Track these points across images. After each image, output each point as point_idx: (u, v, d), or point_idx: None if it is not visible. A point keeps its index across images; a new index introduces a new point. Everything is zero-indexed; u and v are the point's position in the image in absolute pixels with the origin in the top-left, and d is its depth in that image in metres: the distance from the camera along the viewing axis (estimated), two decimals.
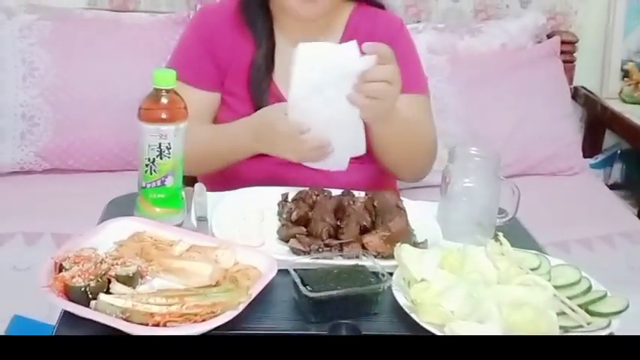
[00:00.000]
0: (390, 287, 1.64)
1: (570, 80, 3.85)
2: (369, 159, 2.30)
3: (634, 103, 3.91)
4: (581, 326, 1.59)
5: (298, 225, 1.90)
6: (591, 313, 1.61)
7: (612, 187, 3.94)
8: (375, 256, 1.78)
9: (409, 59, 2.48)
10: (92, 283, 1.54)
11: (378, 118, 2.08)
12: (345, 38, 2.40)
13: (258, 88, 2.35)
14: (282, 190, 2.08)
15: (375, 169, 2.36)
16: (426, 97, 2.47)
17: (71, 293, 1.54)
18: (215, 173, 2.32)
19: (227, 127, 2.30)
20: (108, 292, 1.56)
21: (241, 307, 1.54)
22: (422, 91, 2.46)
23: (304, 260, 1.74)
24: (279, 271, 1.67)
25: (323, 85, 1.95)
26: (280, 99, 2.28)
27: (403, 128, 2.18)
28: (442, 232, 1.94)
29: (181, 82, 2.21)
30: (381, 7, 2.52)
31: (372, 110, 2.01)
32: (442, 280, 1.65)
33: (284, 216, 1.96)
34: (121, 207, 1.97)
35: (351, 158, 2.16)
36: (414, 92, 2.39)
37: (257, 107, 2.27)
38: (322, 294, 1.58)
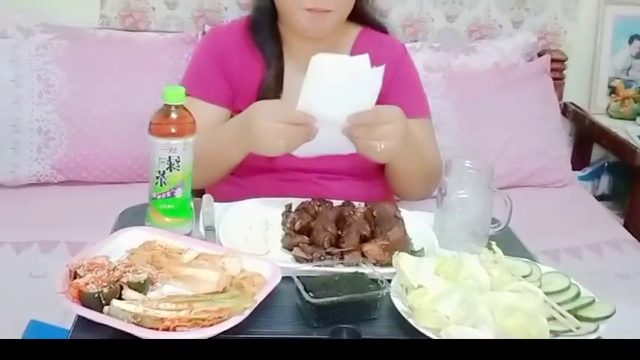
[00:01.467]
0: (388, 293, 1.64)
1: (560, 96, 3.85)
2: (368, 177, 2.31)
3: (620, 119, 3.91)
4: (570, 331, 1.59)
5: (301, 234, 1.90)
6: (580, 318, 1.61)
7: (600, 198, 3.93)
8: (375, 264, 1.78)
9: (414, 85, 2.51)
10: (105, 290, 1.54)
11: (396, 154, 2.06)
12: None
13: None
14: (286, 200, 2.08)
15: (373, 185, 2.36)
16: (429, 121, 2.48)
17: (85, 299, 1.54)
18: (223, 188, 2.29)
19: (219, 128, 2.27)
20: (120, 298, 1.56)
21: (247, 313, 1.54)
22: (425, 115, 2.47)
23: (307, 268, 1.75)
24: (283, 278, 1.67)
25: (332, 96, 1.95)
26: None
27: (412, 150, 2.18)
28: (438, 241, 1.94)
29: (193, 97, 2.22)
30: (385, 31, 2.52)
31: (388, 152, 2.01)
32: (438, 286, 1.65)
33: (288, 225, 1.96)
34: (133, 217, 1.97)
35: (352, 176, 2.18)
36: (419, 116, 2.41)
37: None
38: (324, 300, 1.58)
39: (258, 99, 2.26)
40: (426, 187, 2.35)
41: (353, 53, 2.41)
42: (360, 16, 2.43)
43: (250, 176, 2.27)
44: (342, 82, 1.94)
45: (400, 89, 2.42)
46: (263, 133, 1.99)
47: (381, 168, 2.45)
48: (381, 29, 2.51)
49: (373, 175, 2.42)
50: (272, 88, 2.34)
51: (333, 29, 2.34)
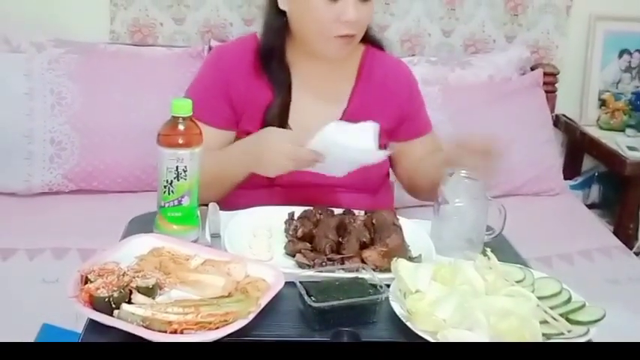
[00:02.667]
0: (387, 298, 1.64)
1: (552, 109, 3.85)
2: (372, 189, 2.31)
3: (610, 130, 3.91)
4: (562, 334, 1.59)
5: (303, 241, 1.91)
6: (571, 322, 1.62)
7: (590, 206, 3.94)
8: (374, 270, 1.78)
9: (422, 105, 2.54)
10: (115, 294, 1.55)
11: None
12: (360, 82, 2.41)
13: None
14: (289, 209, 2.08)
15: (376, 197, 2.36)
16: (435, 133, 2.54)
17: (96, 303, 1.54)
18: (229, 200, 2.26)
19: (223, 150, 2.26)
20: (130, 302, 1.56)
21: (251, 316, 1.54)
22: (432, 128, 2.53)
23: (309, 273, 1.74)
24: (286, 283, 1.67)
25: (340, 154, 1.99)
26: None
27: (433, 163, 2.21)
28: (435, 248, 1.94)
29: (196, 119, 2.21)
30: (382, 48, 2.50)
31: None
32: (435, 291, 1.65)
33: (290, 233, 1.96)
34: (142, 224, 1.97)
35: (356, 189, 2.19)
36: (430, 130, 2.50)
37: None
38: (325, 304, 1.59)
39: (264, 123, 2.27)
40: (435, 187, 2.36)
41: (360, 74, 2.42)
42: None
43: (254, 190, 2.26)
44: (348, 152, 1.98)
45: (414, 112, 2.48)
46: (274, 157, 2.03)
47: (385, 179, 2.47)
48: (380, 46, 2.50)
49: (377, 188, 2.42)
50: (279, 114, 2.31)
51: (351, 51, 2.33)
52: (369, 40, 2.45)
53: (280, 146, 2.03)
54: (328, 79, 2.38)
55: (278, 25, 2.31)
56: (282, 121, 2.30)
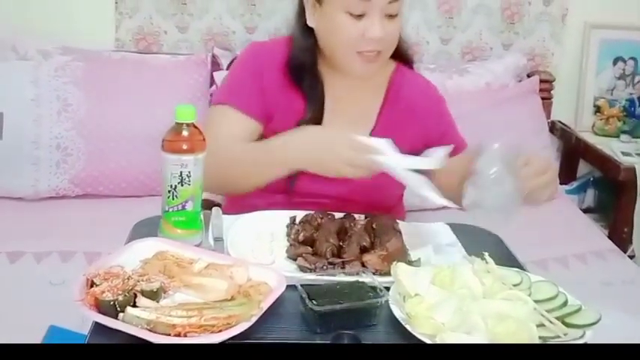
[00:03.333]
0: (387, 301, 1.64)
1: (548, 115, 3.86)
2: (384, 204, 2.30)
3: (605, 136, 3.92)
4: (558, 337, 1.58)
5: (305, 245, 1.90)
6: (567, 325, 1.61)
7: (585, 210, 3.93)
8: (374, 273, 1.78)
9: (452, 124, 2.52)
10: (120, 298, 1.54)
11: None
12: (387, 101, 2.38)
13: None
14: (291, 213, 2.08)
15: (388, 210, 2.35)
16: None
17: (101, 306, 1.54)
18: (242, 202, 2.25)
19: (262, 142, 2.20)
20: (134, 305, 1.55)
21: (254, 319, 1.54)
22: (466, 145, 2.47)
23: (310, 277, 1.74)
24: (288, 286, 1.67)
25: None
26: None
27: None
28: (474, 217, 1.98)
29: (228, 105, 2.19)
30: (411, 65, 2.47)
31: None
32: (434, 295, 1.65)
33: (292, 237, 1.96)
34: (146, 229, 1.97)
35: (367, 204, 2.19)
36: (465, 149, 2.42)
37: None
38: (326, 307, 1.58)
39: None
40: None
41: (389, 91, 2.38)
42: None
43: (272, 194, 2.23)
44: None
45: (443, 133, 2.43)
46: (334, 161, 1.99)
47: (400, 198, 2.48)
48: (409, 63, 2.46)
49: (392, 206, 2.40)
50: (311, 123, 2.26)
51: (379, 69, 2.30)
52: (400, 56, 2.41)
53: (343, 152, 1.98)
54: (357, 96, 2.35)
55: (307, 41, 2.29)
56: None
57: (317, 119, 2.27)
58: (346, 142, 1.98)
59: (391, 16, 2.17)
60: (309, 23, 2.25)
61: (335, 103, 2.31)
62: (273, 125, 2.27)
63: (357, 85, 2.32)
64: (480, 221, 1.98)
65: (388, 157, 1.94)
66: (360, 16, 2.14)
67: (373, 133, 2.33)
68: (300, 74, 2.29)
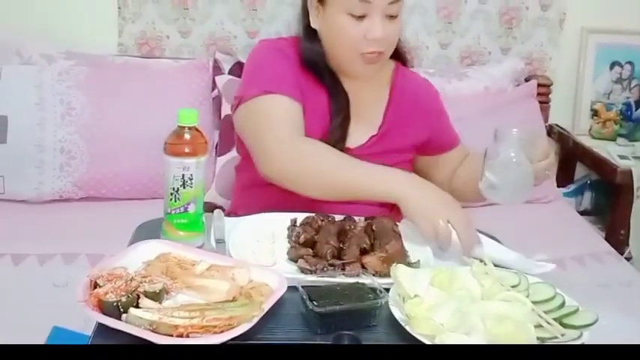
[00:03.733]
0: (386, 302, 1.64)
1: (546, 119, 3.86)
2: (387, 204, 2.30)
3: (602, 139, 3.92)
4: (556, 337, 1.58)
5: (305, 247, 1.90)
6: (565, 326, 1.61)
7: (583, 213, 3.93)
8: (374, 275, 1.79)
9: (447, 120, 2.59)
10: (123, 299, 1.54)
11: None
12: (392, 99, 2.44)
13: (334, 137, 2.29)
14: (292, 215, 2.08)
15: (391, 213, 2.35)
16: (463, 143, 2.60)
17: (105, 307, 1.54)
18: (251, 201, 2.26)
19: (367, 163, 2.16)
20: (137, 306, 1.55)
21: (255, 320, 1.54)
22: (459, 141, 2.60)
23: (311, 278, 1.75)
24: (289, 287, 1.67)
25: None
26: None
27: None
28: (492, 198, 2.07)
29: (274, 94, 2.20)
30: (407, 64, 2.53)
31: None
32: (433, 296, 1.65)
33: (293, 239, 1.95)
34: (149, 231, 1.97)
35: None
36: (458, 145, 2.56)
37: None
38: (327, 308, 1.58)
39: (326, 136, 2.27)
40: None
41: (393, 89, 2.44)
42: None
43: (280, 190, 2.19)
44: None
45: (441, 128, 2.54)
46: (426, 212, 1.97)
47: None
48: (405, 62, 2.52)
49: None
50: (341, 135, 2.30)
51: (380, 69, 2.34)
52: (398, 56, 2.46)
53: (440, 212, 1.96)
54: (363, 95, 2.39)
55: (312, 43, 2.33)
56: (342, 142, 2.30)
57: (345, 117, 2.32)
58: (451, 212, 1.97)
59: (391, 17, 2.21)
60: (313, 25, 2.30)
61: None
62: (305, 116, 2.28)
63: (362, 84, 2.35)
64: (497, 201, 2.07)
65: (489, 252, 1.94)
66: (361, 17, 2.18)
67: (381, 130, 2.41)
68: (318, 70, 2.32)
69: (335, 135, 2.29)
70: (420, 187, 2.06)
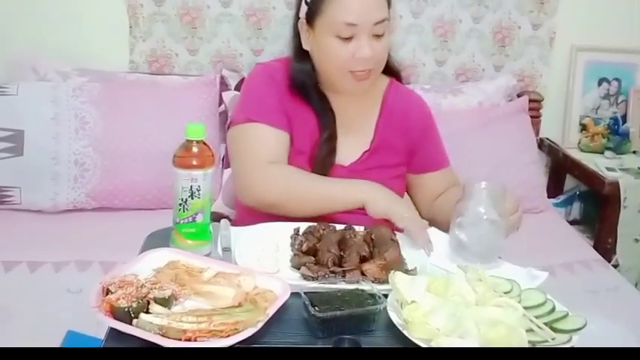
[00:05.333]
0: (385, 308, 1.64)
1: (537, 132, 3.85)
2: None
3: (590, 152, 3.92)
4: (546, 341, 1.58)
5: (308, 255, 1.90)
6: (555, 330, 1.61)
7: (572, 222, 3.94)
8: (373, 282, 1.79)
9: (436, 140, 2.54)
10: (134, 305, 1.55)
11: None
12: (383, 115, 2.42)
13: (322, 164, 2.31)
14: (295, 224, 2.08)
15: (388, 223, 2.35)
16: (451, 169, 2.54)
17: (116, 313, 1.54)
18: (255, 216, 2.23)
19: (337, 179, 2.26)
20: (147, 312, 1.56)
21: (260, 325, 1.54)
22: (448, 164, 2.53)
23: (313, 285, 1.75)
24: (292, 294, 1.67)
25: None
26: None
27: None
28: (456, 256, 1.97)
29: (255, 122, 2.21)
30: (400, 79, 2.51)
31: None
32: (429, 302, 1.65)
33: (296, 247, 1.96)
34: (158, 239, 1.97)
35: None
36: (447, 165, 2.50)
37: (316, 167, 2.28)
38: (328, 313, 1.59)
39: (315, 155, 2.30)
40: None
41: (383, 106, 2.43)
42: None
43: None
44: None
45: (426, 146, 2.48)
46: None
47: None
48: (399, 77, 2.50)
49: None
50: (329, 152, 2.32)
51: (372, 85, 2.33)
52: (391, 72, 2.45)
53: (399, 208, 2.11)
54: (355, 111, 2.39)
55: (304, 63, 2.33)
56: (331, 156, 2.32)
57: (332, 133, 2.32)
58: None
59: (378, 36, 2.21)
60: (305, 47, 2.31)
61: (337, 120, 2.34)
62: (295, 140, 2.31)
63: (354, 100, 2.35)
64: (466, 260, 1.93)
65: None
66: (348, 39, 2.19)
67: (372, 145, 2.40)
68: (305, 91, 2.32)
69: (323, 150, 2.30)
70: (380, 189, 2.17)
